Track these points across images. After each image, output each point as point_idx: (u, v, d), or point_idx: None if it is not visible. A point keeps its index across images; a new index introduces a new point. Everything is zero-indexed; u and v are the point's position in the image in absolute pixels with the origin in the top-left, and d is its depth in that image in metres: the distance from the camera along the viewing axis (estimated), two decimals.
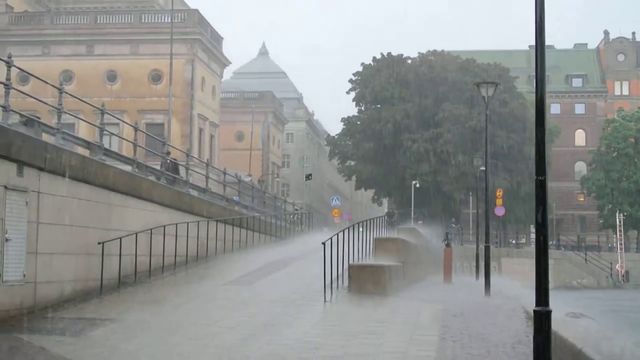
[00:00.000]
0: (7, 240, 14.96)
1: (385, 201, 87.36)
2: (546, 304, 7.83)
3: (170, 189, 24.77)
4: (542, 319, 7.81)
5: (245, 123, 79.01)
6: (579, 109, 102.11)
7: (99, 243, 18.18)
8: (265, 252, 28.75)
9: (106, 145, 21.96)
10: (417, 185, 67.01)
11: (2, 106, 16.30)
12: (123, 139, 29.04)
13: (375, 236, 24.49)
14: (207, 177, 31.06)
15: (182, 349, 12.09)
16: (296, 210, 52.16)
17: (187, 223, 23.74)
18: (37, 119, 17.53)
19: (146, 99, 61.96)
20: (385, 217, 27.96)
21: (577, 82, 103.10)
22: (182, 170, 29.38)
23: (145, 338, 13.01)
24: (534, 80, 8.94)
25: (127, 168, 23.07)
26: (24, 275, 15.56)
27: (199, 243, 25.05)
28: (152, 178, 24.27)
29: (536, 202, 8.13)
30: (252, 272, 22.62)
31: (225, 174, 34.85)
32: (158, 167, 26.89)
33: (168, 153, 29.49)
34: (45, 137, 18.07)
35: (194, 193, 29.09)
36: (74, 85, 59.64)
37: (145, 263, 20.74)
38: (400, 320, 14.87)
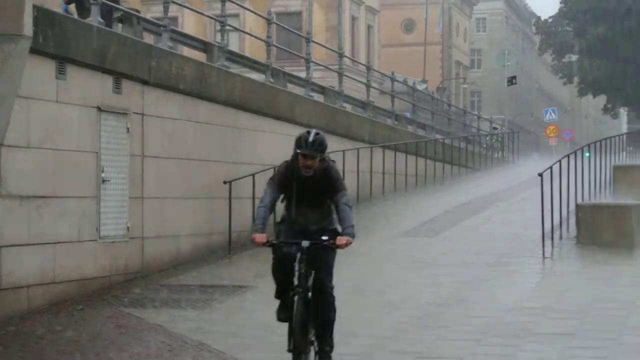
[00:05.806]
0: (103, 181, 15.48)
1: (623, 112, 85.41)
2: None
3: (317, 104, 25.01)
4: None
5: (416, 6, 78.51)
6: None
7: (224, 182, 18.67)
8: (453, 190, 28.93)
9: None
10: None
11: None
12: (249, 35, 29.40)
13: (613, 163, 24.15)
14: (367, 86, 31.20)
15: (344, 327, 12.40)
16: (494, 129, 51.92)
17: (343, 151, 24.02)
18: (136, 13, 17.99)
19: None
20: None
21: None
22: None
23: None
24: None
25: (258, 77, 23.49)
26: (128, 228, 16.18)
27: (360, 179, 25.38)
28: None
29: None
30: (436, 219, 22.80)
31: (393, 80, 34.97)
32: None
33: None
34: (145, 38, 18.69)
35: (348, 108, 29.35)
36: None
37: None
38: None
